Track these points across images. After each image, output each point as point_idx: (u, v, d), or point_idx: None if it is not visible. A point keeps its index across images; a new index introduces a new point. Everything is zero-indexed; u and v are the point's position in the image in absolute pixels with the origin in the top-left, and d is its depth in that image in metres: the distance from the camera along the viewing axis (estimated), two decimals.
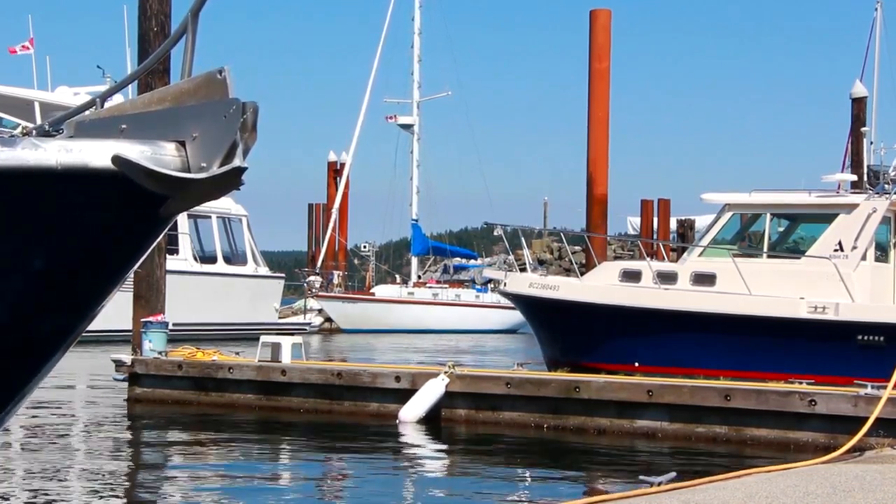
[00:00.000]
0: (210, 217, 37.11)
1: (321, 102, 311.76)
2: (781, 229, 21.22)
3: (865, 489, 8.00)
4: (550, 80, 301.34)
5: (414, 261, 57.06)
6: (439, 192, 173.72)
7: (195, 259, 36.56)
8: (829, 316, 18.62)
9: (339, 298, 49.29)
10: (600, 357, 20.01)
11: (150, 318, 17.79)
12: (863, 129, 33.42)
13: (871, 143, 27.47)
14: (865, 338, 18.34)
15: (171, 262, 24.56)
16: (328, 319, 49.12)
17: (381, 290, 51.95)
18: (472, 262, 60.31)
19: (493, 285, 47.80)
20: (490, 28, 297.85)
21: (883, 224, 19.69)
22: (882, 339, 18.23)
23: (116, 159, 4.40)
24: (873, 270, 19.57)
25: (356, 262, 60.25)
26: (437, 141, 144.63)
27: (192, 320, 31.23)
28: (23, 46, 38.24)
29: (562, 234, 45.47)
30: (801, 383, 14.14)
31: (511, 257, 26.40)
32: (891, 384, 13.10)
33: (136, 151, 4.42)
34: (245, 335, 31.82)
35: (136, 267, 5.21)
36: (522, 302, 22.12)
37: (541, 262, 56.20)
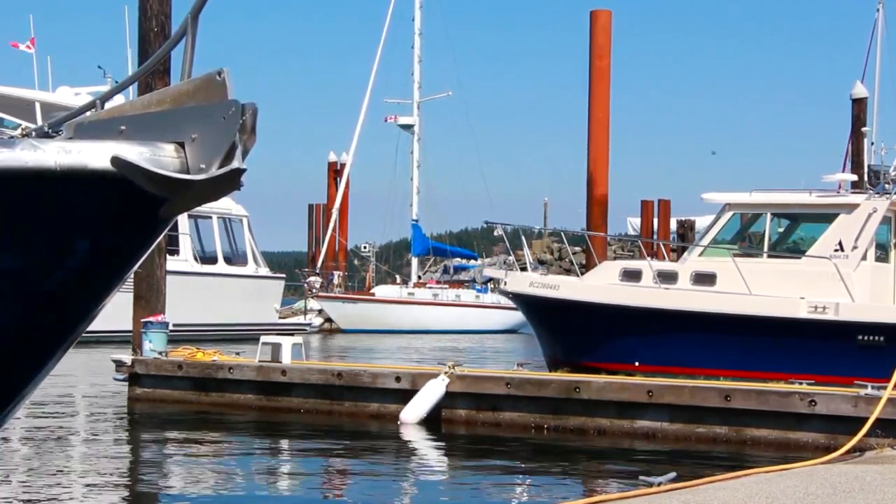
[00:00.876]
0: (210, 217, 37.08)
1: (321, 102, 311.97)
2: (782, 229, 21.21)
3: (865, 490, 7.99)
4: (550, 80, 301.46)
5: (414, 261, 57.05)
6: (439, 193, 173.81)
7: (195, 259, 36.52)
8: (830, 316, 18.61)
9: (340, 299, 49.28)
10: (600, 357, 20.01)
11: (151, 319, 17.79)
12: (863, 129, 33.44)
13: (872, 143, 27.49)
14: (866, 338, 18.33)
15: (172, 263, 24.56)
16: (328, 320, 49.09)
17: (381, 291, 51.94)
18: (473, 262, 60.27)
19: (493, 285, 47.87)
20: (490, 28, 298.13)
21: (883, 224, 19.69)
22: (882, 339, 18.22)
23: (115, 161, 4.40)
24: (874, 270, 19.57)
25: (356, 262, 60.28)
26: (437, 141, 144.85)
27: (192, 321, 31.17)
28: (25, 46, 38.25)
29: (562, 235, 45.41)
30: (801, 383, 14.11)
31: (511, 257, 26.40)
32: (891, 384, 13.10)
33: (136, 153, 4.42)
34: (245, 335, 31.79)
35: (135, 268, 5.21)
36: (523, 301, 22.13)
37: (541, 263, 56.08)
